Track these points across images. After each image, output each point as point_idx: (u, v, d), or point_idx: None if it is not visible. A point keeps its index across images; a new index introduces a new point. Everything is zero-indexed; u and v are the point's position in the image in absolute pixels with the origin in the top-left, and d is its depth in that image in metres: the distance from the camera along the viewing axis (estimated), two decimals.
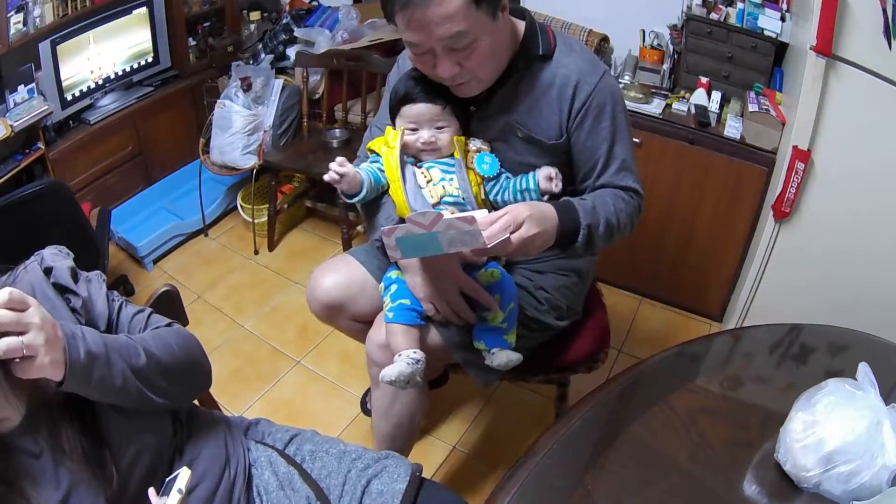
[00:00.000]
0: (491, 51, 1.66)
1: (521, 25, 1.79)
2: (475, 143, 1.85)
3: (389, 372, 1.69)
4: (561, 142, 1.81)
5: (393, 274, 1.90)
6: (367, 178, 1.81)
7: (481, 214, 1.50)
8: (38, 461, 1.11)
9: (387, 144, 1.83)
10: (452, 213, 1.53)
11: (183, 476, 1.09)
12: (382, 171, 1.84)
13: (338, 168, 1.76)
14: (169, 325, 1.44)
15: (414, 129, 1.82)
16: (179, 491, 1.07)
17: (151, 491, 1.10)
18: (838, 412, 1.28)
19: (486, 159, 1.82)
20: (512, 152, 1.85)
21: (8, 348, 0.99)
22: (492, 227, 1.49)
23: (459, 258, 1.79)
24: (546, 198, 1.78)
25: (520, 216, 1.53)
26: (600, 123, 1.78)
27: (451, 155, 1.83)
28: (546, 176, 1.79)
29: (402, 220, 1.77)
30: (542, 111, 1.79)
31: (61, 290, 1.29)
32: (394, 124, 1.88)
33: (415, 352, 1.75)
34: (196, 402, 1.66)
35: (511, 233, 1.51)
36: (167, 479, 1.11)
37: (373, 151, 1.89)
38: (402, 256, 1.58)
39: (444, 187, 1.79)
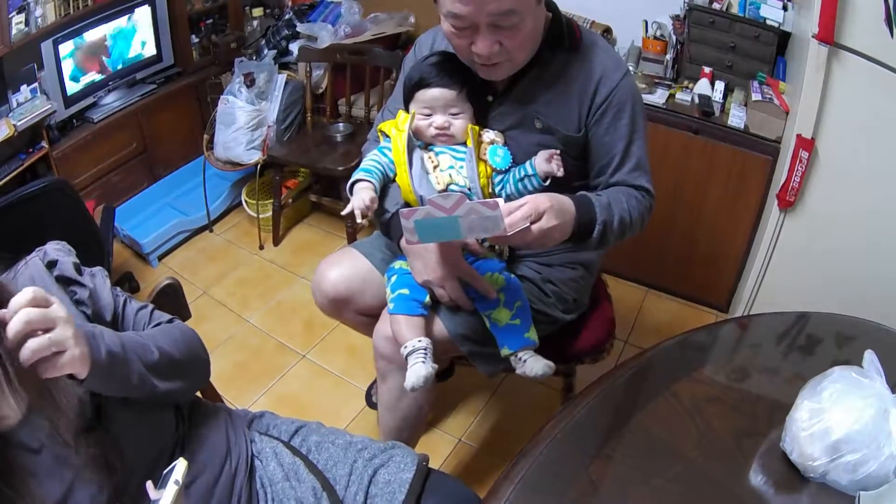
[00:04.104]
0: (531, 33, 1.65)
1: (547, 16, 1.78)
2: (489, 135, 1.83)
3: (413, 383, 1.70)
4: (579, 135, 1.80)
5: (396, 264, 1.91)
6: (377, 181, 1.81)
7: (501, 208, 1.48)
8: (38, 456, 1.11)
9: (397, 128, 1.83)
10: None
11: (179, 468, 1.08)
12: (391, 158, 1.84)
13: (361, 209, 1.72)
14: (170, 321, 1.45)
15: (428, 115, 1.81)
16: (176, 482, 1.06)
17: (149, 484, 1.09)
18: (845, 400, 1.28)
19: (498, 152, 1.81)
20: (528, 141, 1.83)
21: (37, 348, 0.98)
22: (513, 214, 1.48)
23: (461, 245, 1.80)
24: (548, 181, 1.77)
25: (541, 206, 1.52)
26: (620, 121, 1.77)
27: (464, 143, 1.82)
28: (545, 158, 1.77)
29: (407, 204, 1.78)
30: (563, 103, 1.78)
31: (66, 282, 1.29)
32: (408, 110, 1.87)
33: (419, 340, 1.76)
34: (199, 394, 1.66)
35: (532, 223, 1.50)
36: (164, 472, 1.10)
37: (384, 134, 1.88)
38: (418, 240, 1.55)
39: (451, 175, 1.79)
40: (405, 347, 1.76)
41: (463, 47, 1.67)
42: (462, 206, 1.43)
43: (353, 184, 1.81)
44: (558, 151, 1.77)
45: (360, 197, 1.72)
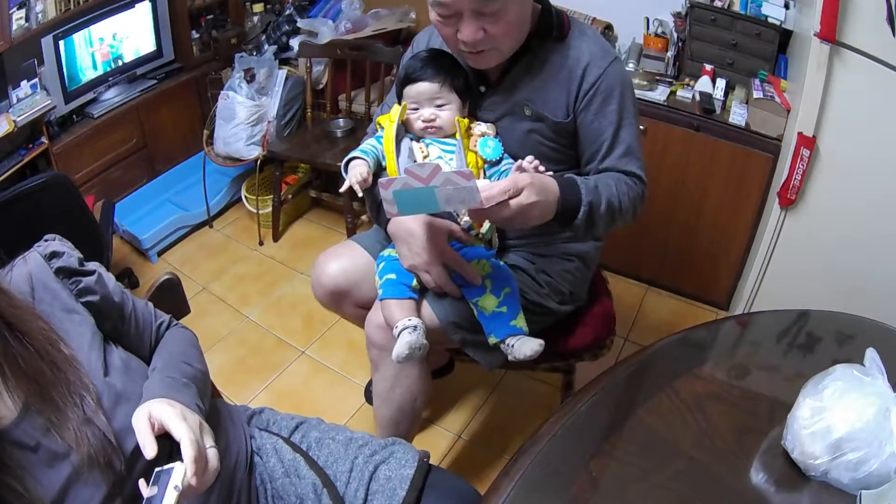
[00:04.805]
0: (516, 21, 1.66)
1: (537, 7, 1.79)
2: (480, 128, 1.85)
3: (399, 351, 1.71)
4: (567, 121, 1.81)
5: (385, 252, 1.94)
6: (371, 161, 1.84)
7: (482, 184, 1.48)
8: (34, 454, 1.09)
9: (389, 119, 1.85)
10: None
11: (178, 471, 1.07)
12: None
13: (359, 181, 1.76)
14: (170, 321, 1.49)
15: (416, 108, 1.85)
16: (176, 488, 1.05)
17: (141, 482, 1.08)
18: (846, 398, 1.27)
19: (489, 143, 1.83)
20: (519, 129, 1.85)
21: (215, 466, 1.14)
22: (490, 189, 1.48)
23: (447, 231, 1.82)
24: None
25: (520, 182, 1.51)
26: (607, 107, 1.77)
27: (453, 136, 1.84)
28: (516, 168, 1.71)
29: None
30: (551, 90, 1.79)
31: (68, 273, 1.27)
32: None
33: (409, 319, 1.77)
34: None
35: (510, 198, 1.49)
36: (157, 470, 1.09)
37: (381, 126, 1.90)
38: (398, 212, 1.54)
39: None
40: (396, 327, 1.77)
41: (450, 36, 1.70)
42: (438, 175, 1.43)
43: (347, 163, 1.84)
44: (530, 158, 1.73)
45: (358, 171, 1.77)
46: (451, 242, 1.86)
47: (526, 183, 1.52)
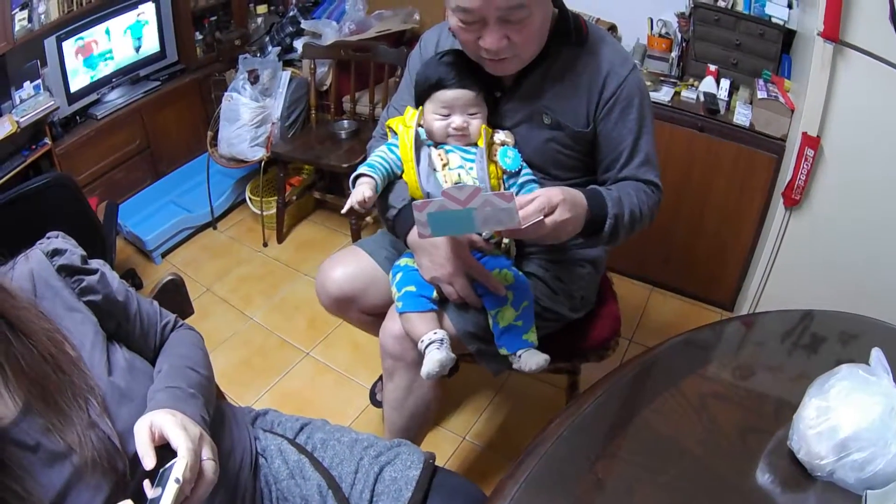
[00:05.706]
0: (539, 28, 1.64)
1: (554, 11, 1.76)
2: (500, 136, 1.82)
3: (429, 369, 1.70)
4: (588, 131, 1.80)
5: (401, 261, 1.90)
6: (380, 178, 1.80)
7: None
8: (33, 454, 1.08)
9: (404, 124, 1.81)
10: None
11: (179, 465, 1.07)
12: (398, 155, 1.82)
13: (358, 201, 1.72)
14: (175, 321, 1.48)
15: (446, 115, 1.79)
16: (177, 480, 1.04)
17: (146, 483, 1.08)
18: (852, 398, 1.27)
19: (509, 153, 1.80)
20: (537, 137, 1.83)
21: (211, 479, 1.13)
22: (526, 207, 1.47)
23: (469, 242, 1.79)
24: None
25: (554, 199, 1.50)
26: (628, 115, 1.77)
27: (474, 144, 1.81)
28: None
29: (413, 199, 1.76)
30: (571, 98, 1.78)
31: (70, 272, 1.26)
32: (418, 107, 1.86)
33: (435, 332, 1.75)
34: None
35: (545, 216, 1.49)
36: (161, 470, 1.09)
37: (392, 130, 1.87)
38: (430, 234, 1.52)
39: (459, 174, 1.77)
40: (422, 342, 1.75)
41: (470, 42, 1.67)
42: (477, 198, 1.42)
43: (355, 178, 1.81)
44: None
45: (360, 191, 1.72)
46: (472, 252, 1.84)
47: (559, 199, 1.51)
